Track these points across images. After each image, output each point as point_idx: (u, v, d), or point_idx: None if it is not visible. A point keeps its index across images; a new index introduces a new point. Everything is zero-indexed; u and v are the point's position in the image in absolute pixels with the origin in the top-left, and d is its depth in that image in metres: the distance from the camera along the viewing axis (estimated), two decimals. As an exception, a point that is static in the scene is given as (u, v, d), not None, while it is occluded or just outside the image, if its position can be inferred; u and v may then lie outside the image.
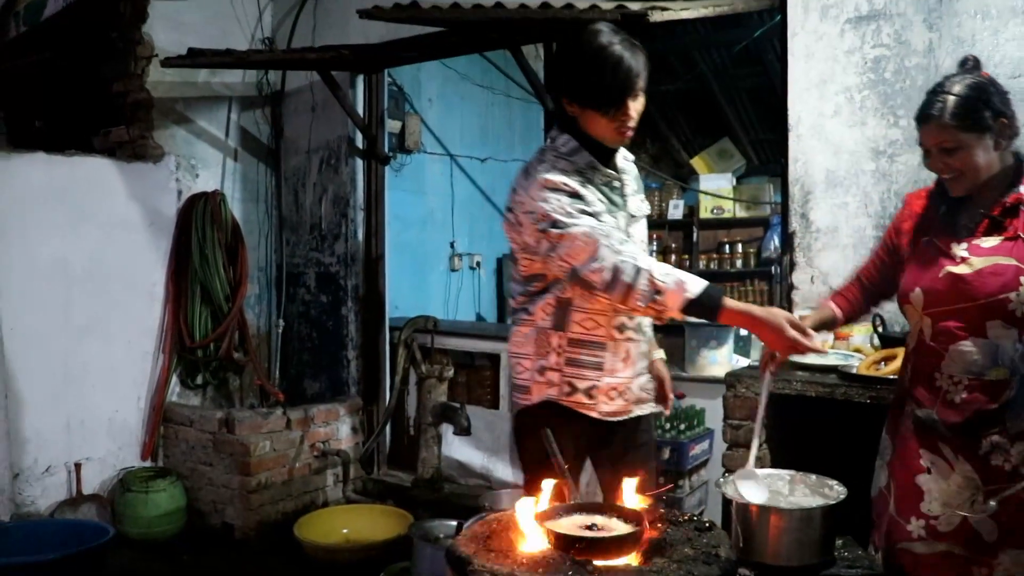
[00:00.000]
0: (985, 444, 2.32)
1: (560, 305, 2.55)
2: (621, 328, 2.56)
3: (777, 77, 6.21)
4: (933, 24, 3.54)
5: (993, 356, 2.31)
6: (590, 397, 2.58)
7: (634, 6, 3.64)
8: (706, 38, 7.31)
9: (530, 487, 2.53)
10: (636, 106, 2.49)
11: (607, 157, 2.58)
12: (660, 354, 2.83)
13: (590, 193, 2.47)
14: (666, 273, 2.27)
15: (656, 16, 3.60)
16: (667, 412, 2.88)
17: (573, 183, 2.44)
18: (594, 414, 2.59)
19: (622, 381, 2.59)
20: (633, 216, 2.64)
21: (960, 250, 2.38)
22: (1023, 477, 2.28)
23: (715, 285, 2.28)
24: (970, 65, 2.42)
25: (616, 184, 2.58)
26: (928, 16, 3.55)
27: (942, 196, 2.51)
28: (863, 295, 2.75)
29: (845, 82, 3.74)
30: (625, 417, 2.63)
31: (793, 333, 2.26)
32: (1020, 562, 2.29)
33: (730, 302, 2.30)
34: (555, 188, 2.41)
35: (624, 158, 2.69)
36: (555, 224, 2.38)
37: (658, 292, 2.25)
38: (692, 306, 2.25)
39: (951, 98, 2.30)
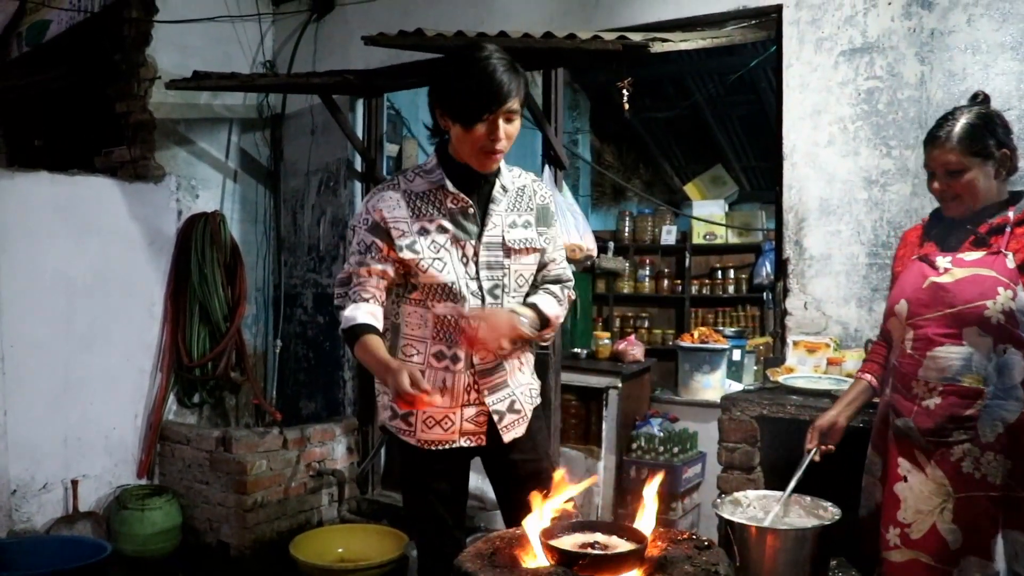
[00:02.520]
0: (957, 451, 2.40)
1: (392, 329, 2.62)
2: (439, 356, 2.56)
3: (770, 106, 6.33)
4: (925, 58, 3.63)
5: (968, 362, 2.39)
6: (408, 424, 2.61)
7: (636, 37, 3.71)
8: (700, 66, 7.42)
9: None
10: (508, 129, 2.43)
11: (468, 180, 2.52)
12: (517, 308, 2.59)
13: (409, 223, 2.49)
14: (349, 319, 2.47)
15: (657, 47, 3.67)
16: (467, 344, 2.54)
17: (389, 211, 2.49)
18: (412, 441, 2.62)
19: (439, 410, 2.56)
20: (510, 247, 2.56)
21: (944, 262, 2.49)
22: (992, 486, 2.35)
23: (366, 328, 2.45)
24: (980, 99, 2.56)
25: (471, 211, 2.52)
26: (920, 50, 3.64)
27: (935, 222, 2.62)
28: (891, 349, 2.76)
29: (839, 113, 3.82)
30: (446, 447, 2.61)
31: (404, 384, 2.26)
32: (979, 568, 2.36)
33: (366, 345, 2.43)
34: (360, 216, 2.55)
35: (504, 188, 2.59)
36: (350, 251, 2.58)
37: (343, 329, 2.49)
38: (343, 339, 2.51)
39: (959, 123, 2.46)
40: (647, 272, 8.27)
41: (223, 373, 5.38)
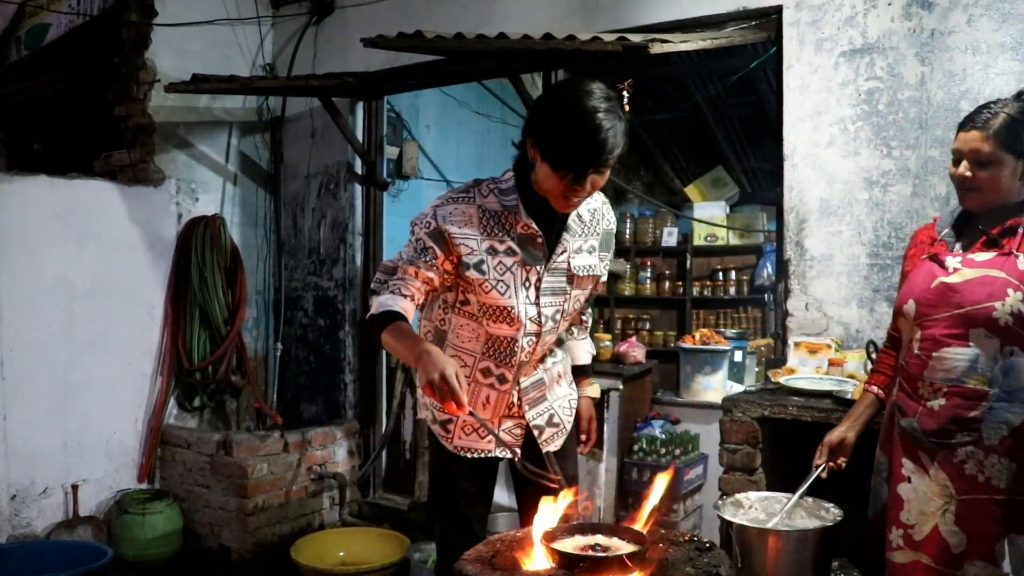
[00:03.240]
0: (961, 453, 2.36)
1: (437, 335, 2.63)
2: (485, 372, 2.59)
3: (770, 107, 6.32)
4: (925, 58, 3.62)
5: (973, 364, 2.36)
6: (446, 430, 2.66)
7: (635, 38, 3.70)
8: (700, 68, 7.41)
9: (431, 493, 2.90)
10: (596, 180, 2.34)
11: (543, 212, 2.46)
12: (589, 391, 2.90)
13: (479, 241, 2.44)
14: (383, 304, 2.37)
15: (657, 48, 3.65)
16: (583, 452, 2.91)
17: (457, 228, 2.42)
18: (449, 446, 2.67)
19: (477, 421, 2.52)
20: (574, 274, 2.55)
21: (954, 262, 2.44)
22: (996, 490, 2.33)
23: (399, 316, 2.34)
24: None
25: (539, 240, 2.47)
26: (920, 50, 3.63)
27: (948, 222, 2.59)
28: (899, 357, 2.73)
29: (839, 113, 3.81)
30: (480, 455, 2.66)
31: (454, 383, 2.16)
32: (984, 573, 2.33)
33: (400, 328, 2.33)
34: (424, 219, 2.46)
35: (579, 216, 2.56)
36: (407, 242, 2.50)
37: (369, 313, 2.41)
38: (371, 323, 2.37)
39: (1002, 115, 2.39)
40: (648, 274, 8.26)
41: (224, 377, 5.38)
